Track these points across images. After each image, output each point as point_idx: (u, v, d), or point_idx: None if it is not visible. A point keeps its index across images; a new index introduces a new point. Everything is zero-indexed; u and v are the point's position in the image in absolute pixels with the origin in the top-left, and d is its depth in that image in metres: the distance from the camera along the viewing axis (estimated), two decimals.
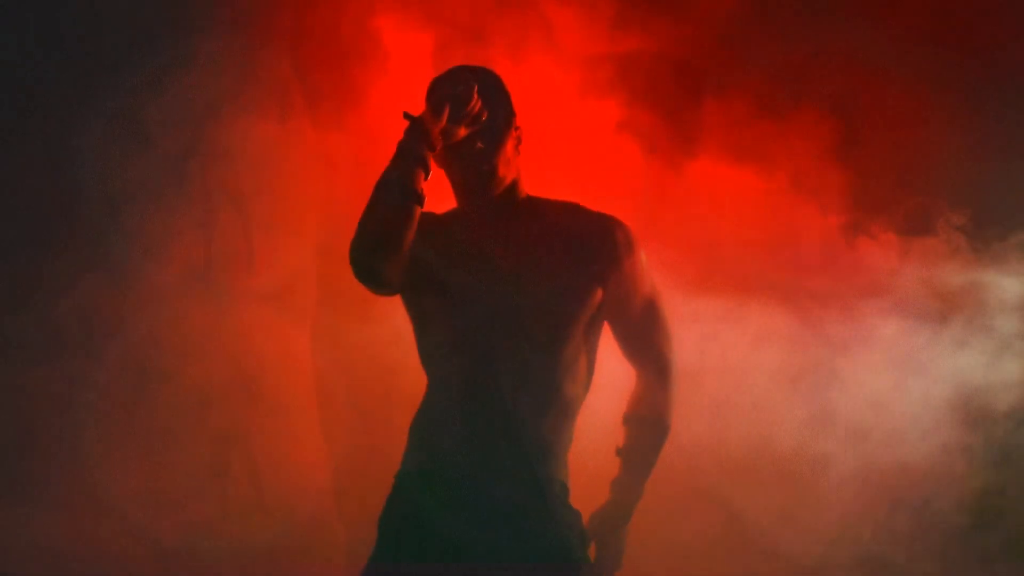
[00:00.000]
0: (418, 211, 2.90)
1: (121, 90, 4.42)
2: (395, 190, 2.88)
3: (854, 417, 4.44)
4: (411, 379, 3.22)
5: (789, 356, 4.43)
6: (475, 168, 3.03)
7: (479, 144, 3.00)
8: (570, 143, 4.45)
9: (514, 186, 3.08)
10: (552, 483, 3.01)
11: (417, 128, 2.91)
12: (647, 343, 3.13)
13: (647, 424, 3.14)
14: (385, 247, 2.87)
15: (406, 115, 2.93)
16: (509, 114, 3.06)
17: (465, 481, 2.97)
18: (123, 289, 4.41)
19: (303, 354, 4.50)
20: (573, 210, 3.12)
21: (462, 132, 2.97)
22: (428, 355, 3.08)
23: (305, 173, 4.53)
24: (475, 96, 2.96)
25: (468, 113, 2.96)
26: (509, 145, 3.05)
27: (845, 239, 4.51)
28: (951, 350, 4.40)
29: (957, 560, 4.49)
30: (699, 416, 4.36)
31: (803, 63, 4.57)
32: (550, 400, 3.00)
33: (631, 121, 4.57)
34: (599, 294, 3.05)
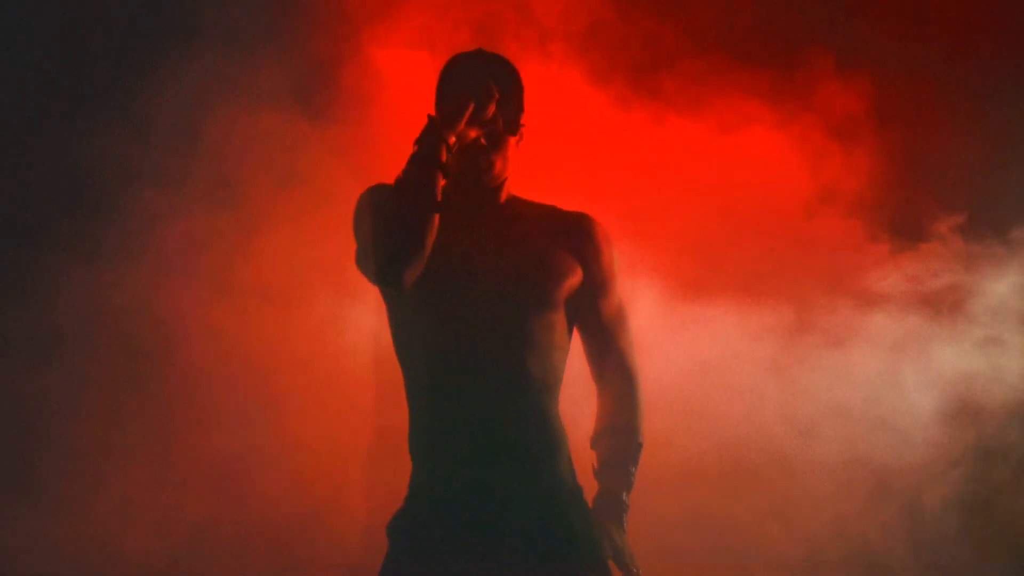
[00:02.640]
0: (439, 217, 2.89)
1: (121, 88, 4.41)
2: (421, 198, 2.88)
3: (847, 415, 4.45)
4: None
5: (782, 354, 4.44)
6: (473, 164, 3.01)
7: (482, 141, 2.99)
8: (563, 134, 4.44)
9: (503, 183, 3.08)
10: (560, 485, 3.00)
11: (435, 131, 2.89)
12: (615, 348, 3.11)
13: (620, 434, 3.09)
14: (412, 256, 2.87)
15: (429, 116, 2.92)
16: (518, 112, 3.04)
17: (475, 493, 2.96)
18: (123, 286, 4.40)
19: (306, 345, 4.49)
20: (552, 209, 3.12)
21: (474, 133, 2.97)
22: (411, 360, 3.05)
23: (304, 167, 4.53)
24: (494, 105, 2.96)
25: (484, 117, 2.96)
26: (511, 143, 3.05)
27: (840, 238, 4.52)
28: (944, 347, 4.41)
29: (949, 557, 4.51)
30: (692, 415, 4.38)
31: (800, 62, 4.59)
32: (537, 397, 2.98)
33: (624, 117, 4.59)
34: (579, 278, 3.04)
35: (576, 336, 3.14)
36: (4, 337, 4.34)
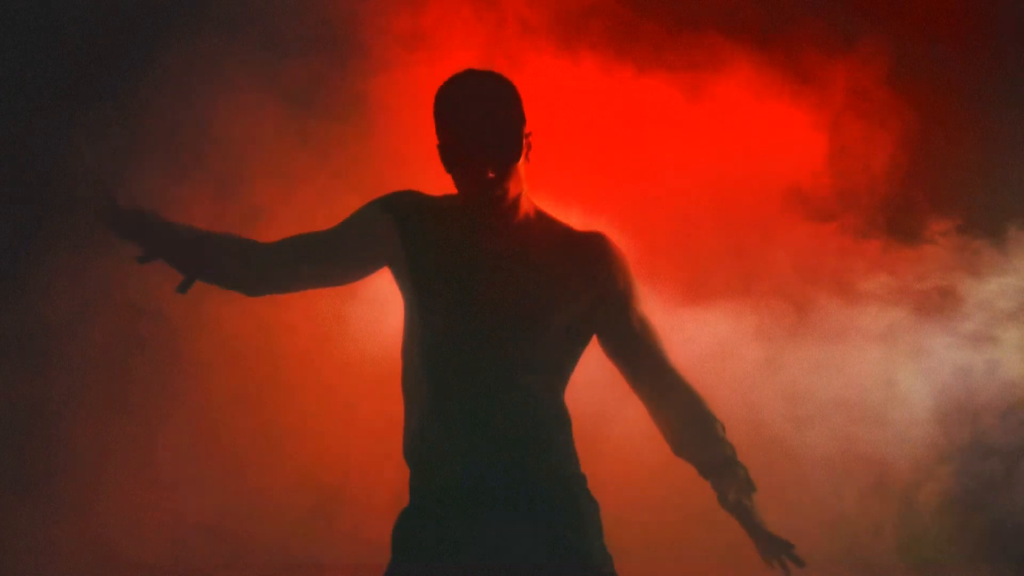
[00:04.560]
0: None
1: (122, 82, 4.42)
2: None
3: (841, 413, 4.47)
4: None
5: (778, 353, 4.46)
6: (484, 194, 2.94)
7: (490, 174, 2.91)
8: (556, 128, 4.45)
9: (519, 196, 3.00)
10: (563, 476, 2.97)
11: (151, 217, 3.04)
12: (650, 354, 3.05)
13: (707, 440, 3.03)
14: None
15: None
16: (521, 131, 2.95)
17: (475, 489, 2.93)
18: (124, 282, 4.41)
19: (310, 343, 4.49)
20: (567, 230, 3.06)
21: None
22: (409, 362, 3.02)
23: (308, 162, 4.54)
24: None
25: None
26: (520, 164, 2.97)
27: (835, 237, 4.54)
28: (938, 346, 4.43)
29: (942, 553, 4.53)
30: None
31: (797, 60, 4.62)
32: (539, 391, 2.95)
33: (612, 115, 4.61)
34: (587, 297, 3.01)
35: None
36: (3, 335, 4.35)
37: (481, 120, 2.90)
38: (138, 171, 4.42)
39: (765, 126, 4.56)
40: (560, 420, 3.00)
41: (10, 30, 4.42)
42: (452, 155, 2.94)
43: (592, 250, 3.05)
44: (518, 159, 2.95)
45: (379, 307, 4.10)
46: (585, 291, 3.02)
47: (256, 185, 4.47)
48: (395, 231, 3.02)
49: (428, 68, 4.26)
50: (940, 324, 4.43)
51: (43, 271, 4.36)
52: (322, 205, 4.44)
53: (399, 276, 3.04)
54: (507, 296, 2.97)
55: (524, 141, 2.96)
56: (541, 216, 3.07)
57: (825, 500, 4.49)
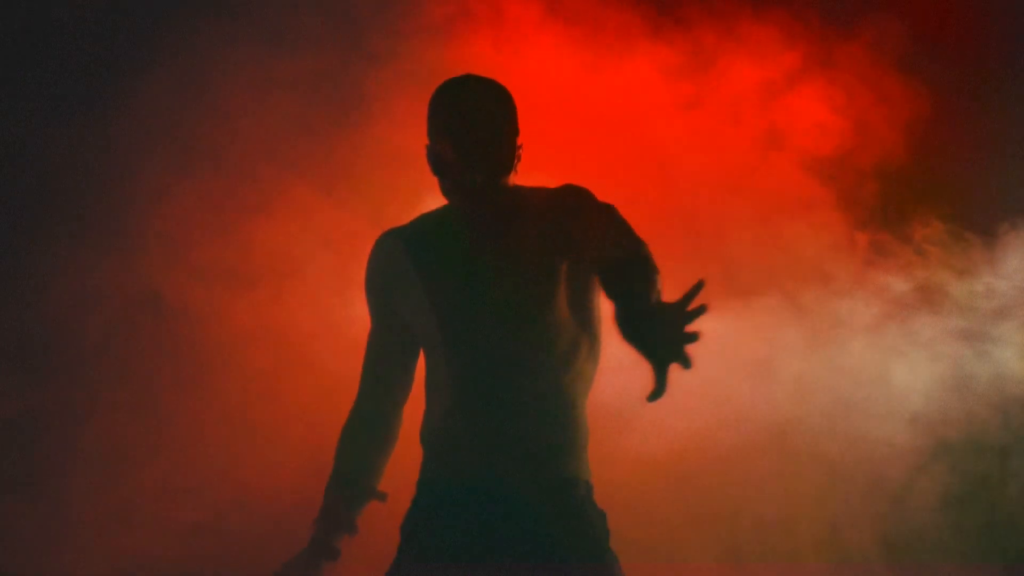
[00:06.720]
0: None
1: (122, 82, 4.42)
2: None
3: (834, 410, 4.49)
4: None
5: (769, 351, 4.47)
6: (472, 203, 2.98)
7: (479, 181, 2.94)
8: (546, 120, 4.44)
9: (504, 190, 3.01)
10: (573, 482, 2.97)
11: (331, 521, 3.14)
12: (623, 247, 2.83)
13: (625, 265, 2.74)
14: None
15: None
16: (515, 143, 2.97)
17: (484, 488, 2.94)
18: (124, 278, 4.41)
19: (316, 342, 4.49)
20: (543, 192, 3.02)
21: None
22: (431, 353, 3.04)
23: (309, 155, 4.54)
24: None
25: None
26: (512, 176, 3.00)
27: (829, 233, 4.55)
28: (930, 343, 4.45)
29: (936, 552, 4.55)
30: (681, 412, 4.41)
31: (790, 53, 4.63)
32: (555, 394, 2.95)
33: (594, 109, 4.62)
34: (575, 255, 2.94)
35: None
36: (3, 335, 4.34)
37: (479, 133, 2.93)
38: (139, 166, 4.43)
39: (763, 121, 4.57)
40: (570, 426, 2.99)
41: (10, 29, 4.42)
42: (444, 162, 2.96)
43: (560, 199, 2.97)
44: (510, 172, 2.98)
45: None
46: (567, 247, 2.95)
47: (258, 180, 4.47)
48: (403, 272, 3.04)
49: (429, 63, 4.27)
50: (934, 321, 4.45)
51: (43, 271, 4.36)
52: (323, 200, 4.46)
53: (419, 303, 3.04)
54: (508, 291, 2.97)
55: (516, 153, 2.98)
56: (521, 192, 3.03)
57: (820, 498, 4.50)
